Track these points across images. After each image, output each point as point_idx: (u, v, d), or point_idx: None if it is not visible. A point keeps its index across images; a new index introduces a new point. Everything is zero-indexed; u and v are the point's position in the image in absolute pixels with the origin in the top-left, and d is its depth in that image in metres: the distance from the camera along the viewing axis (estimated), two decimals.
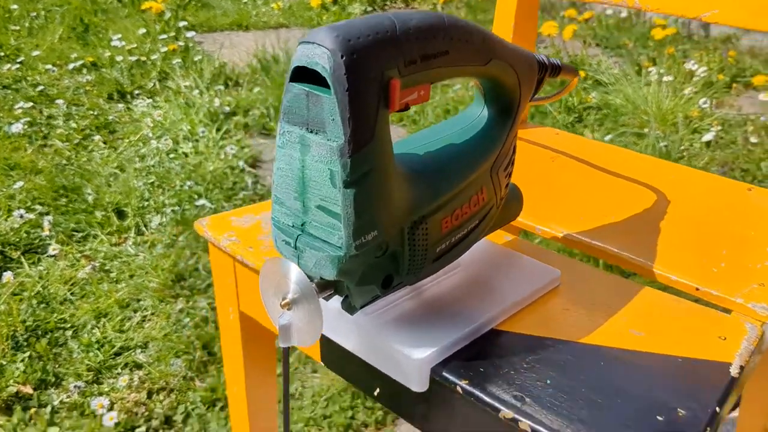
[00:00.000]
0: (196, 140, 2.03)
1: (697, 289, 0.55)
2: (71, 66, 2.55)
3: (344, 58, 0.38)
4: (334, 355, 0.54)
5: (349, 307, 0.46)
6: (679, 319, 0.51)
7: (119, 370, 1.20)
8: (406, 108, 0.44)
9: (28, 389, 1.15)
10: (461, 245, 0.50)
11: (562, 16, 3.11)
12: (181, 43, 2.75)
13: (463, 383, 0.44)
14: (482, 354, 0.47)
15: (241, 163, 1.89)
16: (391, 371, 0.47)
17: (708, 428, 0.41)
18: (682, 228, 0.62)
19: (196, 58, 2.61)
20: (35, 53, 2.64)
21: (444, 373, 0.45)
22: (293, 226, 0.44)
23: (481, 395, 0.43)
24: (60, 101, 2.25)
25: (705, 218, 0.64)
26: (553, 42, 2.77)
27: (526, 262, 0.55)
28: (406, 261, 0.45)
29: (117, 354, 1.24)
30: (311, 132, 0.40)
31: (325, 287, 0.44)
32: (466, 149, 0.49)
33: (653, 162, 0.75)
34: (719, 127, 2.08)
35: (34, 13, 3.14)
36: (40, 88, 2.35)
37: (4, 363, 1.19)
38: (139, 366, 1.22)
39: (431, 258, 0.47)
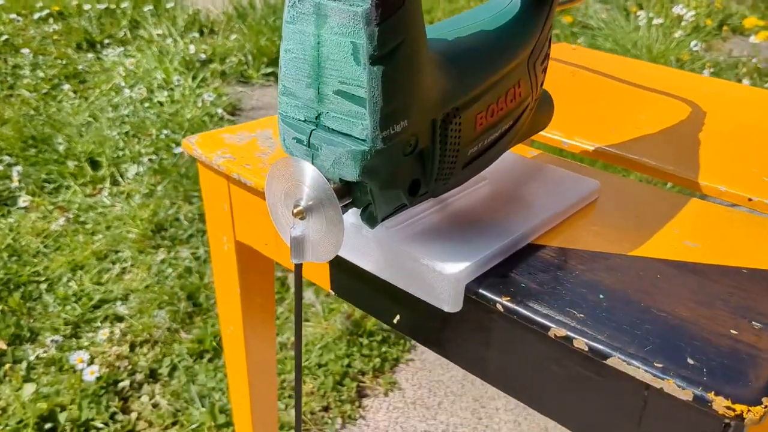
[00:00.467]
0: (172, 89, 1.93)
1: (750, 200, 0.49)
2: (37, 15, 2.42)
3: None
4: (346, 280, 0.48)
5: (370, 219, 0.39)
6: (737, 228, 0.45)
7: (99, 324, 1.14)
8: None
9: (1, 345, 1.08)
10: (492, 150, 0.43)
11: None
12: None
13: (504, 300, 0.38)
14: (522, 269, 0.41)
15: (219, 111, 1.81)
16: (419, 291, 0.41)
17: None
18: (724, 139, 0.56)
19: (168, 6, 2.49)
20: None
21: (481, 290, 0.39)
22: (306, 120, 0.37)
23: (526, 312, 0.37)
24: (26, 51, 2.13)
25: (746, 128, 0.58)
26: None
27: (560, 174, 0.49)
28: (436, 162, 0.39)
29: (96, 307, 1.17)
30: None
31: (343, 194, 0.38)
32: (501, 36, 0.42)
33: (679, 74, 0.69)
34: (711, 69, 2.03)
35: None
36: (5, 37, 2.22)
37: None
38: (120, 318, 1.15)
39: (462, 162, 0.41)
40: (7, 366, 1.04)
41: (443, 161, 0.39)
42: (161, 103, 1.86)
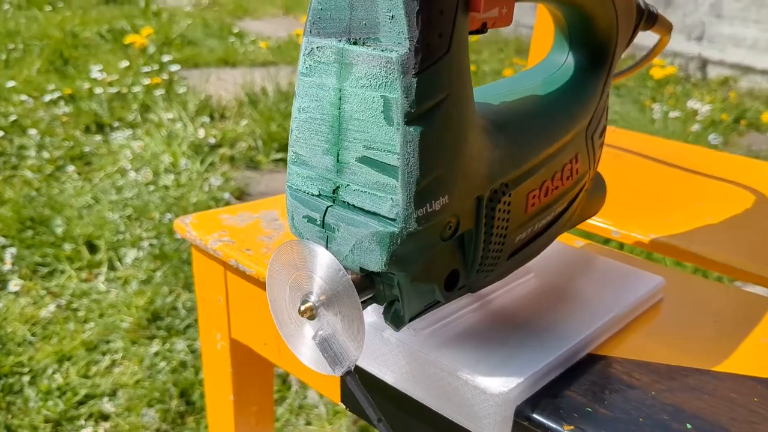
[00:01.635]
0: (178, 173, 1.89)
1: None
2: (47, 98, 2.41)
3: None
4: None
5: (396, 318, 0.31)
6: None
7: (82, 422, 1.04)
8: (483, 29, 0.30)
9: None
10: (543, 237, 0.36)
11: None
12: (165, 77, 2.63)
13: (567, 430, 0.30)
14: (585, 388, 0.32)
15: (226, 195, 1.75)
16: (455, 413, 0.32)
17: None
18: None
19: (180, 91, 2.49)
20: (10, 84, 2.51)
21: (535, 415, 0.31)
22: (321, 195, 0.30)
23: None
24: (33, 131, 2.10)
25: None
26: None
27: (617, 268, 0.42)
28: (480, 250, 0.31)
29: (81, 403, 1.07)
30: (355, 42, 0.27)
31: (364, 288, 0.30)
32: (555, 102, 0.36)
33: (735, 159, 0.62)
34: None
35: (12, 46, 3.02)
36: (13, 118, 2.20)
37: None
38: (105, 417, 1.05)
39: (508, 250, 0.33)
40: None
41: (487, 248, 0.31)
42: (167, 187, 1.81)
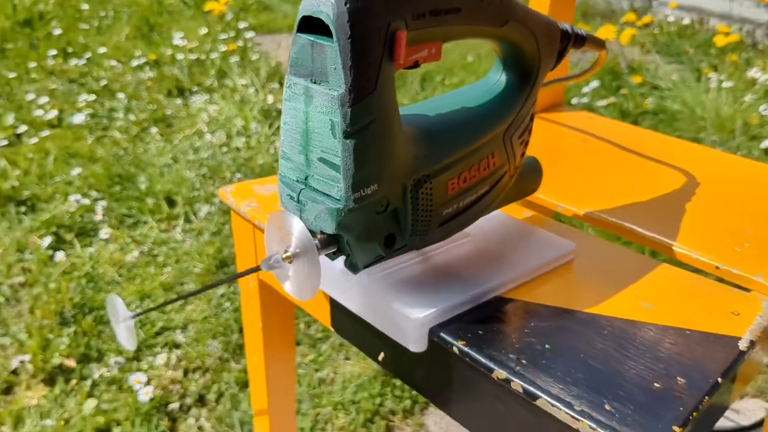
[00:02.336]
0: (249, 136, 2.07)
1: (717, 268, 0.53)
2: (134, 63, 2.63)
3: (348, 5, 0.38)
4: (342, 320, 0.55)
5: (352, 266, 0.46)
6: (694, 294, 0.49)
7: (158, 349, 1.23)
8: (415, 65, 0.44)
9: (71, 363, 1.19)
10: (470, 211, 0.49)
11: (621, 23, 3.06)
12: (240, 43, 2.81)
13: (460, 344, 0.44)
14: (484, 318, 0.46)
15: None
16: (391, 332, 0.47)
17: (707, 397, 0.40)
18: (709, 209, 0.60)
19: (253, 57, 2.66)
20: (101, 50, 2.74)
21: (442, 334, 0.45)
22: (297, 181, 0.44)
23: (476, 356, 0.43)
24: (121, 95, 2.32)
25: (734, 200, 0.62)
26: (610, 47, 2.72)
27: (540, 235, 0.55)
28: (409, 221, 0.45)
29: (158, 333, 1.27)
30: (315, 83, 0.41)
31: (328, 243, 0.44)
32: (479, 112, 0.49)
33: (686, 146, 0.73)
34: None
35: (103, 13, 3.26)
36: (104, 82, 2.43)
37: (51, 337, 1.24)
38: (177, 346, 1.24)
39: (437, 221, 0.47)
40: (74, 382, 1.15)
41: (416, 220, 0.45)
42: (238, 149, 1.99)
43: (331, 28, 0.39)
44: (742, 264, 0.53)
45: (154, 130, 2.11)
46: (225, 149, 1.99)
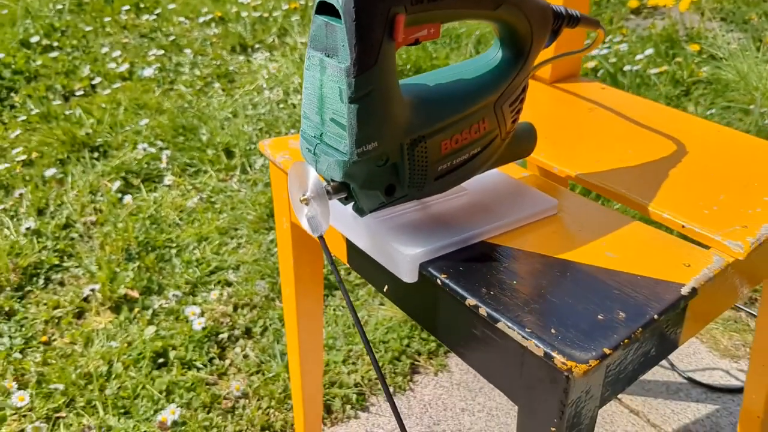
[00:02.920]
0: None
1: (683, 226, 0.60)
2: (201, 19, 2.75)
3: None
4: (355, 257, 0.64)
5: (359, 210, 0.55)
6: (655, 248, 0.57)
7: (212, 286, 1.36)
8: (416, 42, 0.52)
9: (135, 294, 1.33)
10: (464, 168, 0.58)
11: None
12: (302, 1, 2.90)
13: (443, 276, 0.53)
14: (468, 258, 0.55)
15: None
16: (390, 265, 0.56)
17: (640, 329, 0.48)
18: (690, 175, 0.67)
19: None
20: (171, 6, 2.87)
21: (429, 268, 0.54)
22: (314, 137, 0.54)
23: (454, 287, 0.52)
24: (188, 51, 2.45)
25: (715, 168, 0.68)
26: (669, 13, 2.70)
27: (528, 191, 0.63)
28: (407, 173, 0.54)
29: (212, 272, 1.40)
30: (328, 56, 0.50)
31: (339, 190, 0.54)
32: (473, 83, 0.57)
33: (687, 117, 0.79)
34: None
35: None
36: (172, 38, 2.56)
37: (118, 270, 1.38)
38: (229, 284, 1.37)
39: (432, 175, 0.56)
40: (137, 311, 1.29)
41: (413, 173, 0.54)
42: (294, 105, 2.09)
43: (340, 12, 0.48)
44: (707, 224, 0.60)
45: (216, 85, 2.23)
46: (282, 105, 2.10)
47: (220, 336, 1.23)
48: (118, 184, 1.66)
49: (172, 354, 1.19)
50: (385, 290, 0.62)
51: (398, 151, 0.53)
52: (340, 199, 0.54)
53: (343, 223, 0.61)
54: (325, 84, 0.51)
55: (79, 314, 1.30)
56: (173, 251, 1.45)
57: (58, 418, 1.08)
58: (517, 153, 0.64)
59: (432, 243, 0.55)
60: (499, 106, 0.58)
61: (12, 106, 2.02)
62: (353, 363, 1.17)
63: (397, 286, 0.60)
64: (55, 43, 2.40)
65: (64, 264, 1.41)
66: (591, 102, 0.82)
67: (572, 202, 0.63)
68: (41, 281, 1.36)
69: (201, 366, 1.17)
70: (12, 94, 2.07)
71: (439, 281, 0.53)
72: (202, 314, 1.27)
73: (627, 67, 2.22)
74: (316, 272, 0.80)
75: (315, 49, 0.51)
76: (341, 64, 0.49)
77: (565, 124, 0.79)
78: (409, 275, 0.55)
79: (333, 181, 0.53)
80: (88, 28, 2.59)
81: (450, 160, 0.56)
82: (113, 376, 1.15)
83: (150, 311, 1.29)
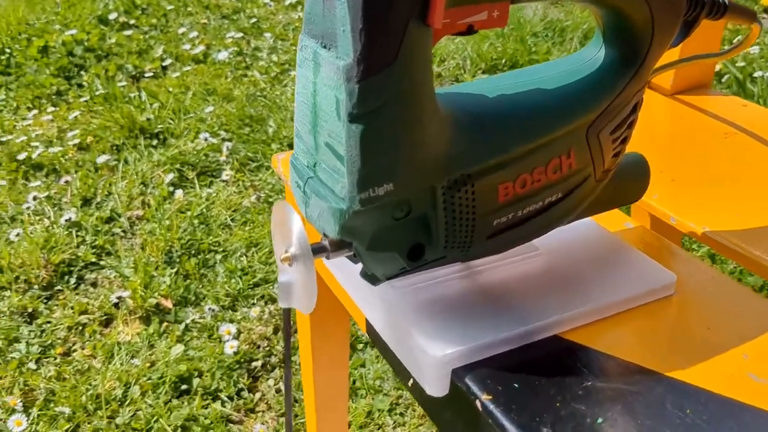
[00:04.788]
0: None
1: None
2: (287, 1, 2.62)
3: None
4: (373, 328, 0.46)
5: (368, 276, 0.37)
6: None
7: (254, 301, 1.21)
8: (469, 31, 0.33)
9: (168, 303, 1.19)
10: (534, 222, 0.38)
11: None
12: None
13: (485, 398, 0.34)
14: (527, 365, 0.36)
15: None
16: (409, 363, 0.38)
17: None
18: None
19: None
20: None
21: (467, 380, 0.35)
22: (307, 166, 0.36)
23: (501, 419, 0.33)
24: (268, 35, 2.32)
25: None
26: None
27: (634, 257, 0.43)
28: (442, 231, 0.35)
29: (256, 285, 1.24)
30: (324, 47, 0.32)
31: (341, 246, 0.36)
32: (557, 96, 0.37)
33: None
34: None
35: None
36: (254, 20, 2.44)
37: (155, 275, 1.25)
38: (273, 300, 1.21)
39: (483, 232, 0.37)
40: (168, 324, 1.15)
41: (453, 230, 0.35)
42: None
43: None
44: None
45: (293, 72, 2.08)
46: None
47: (254, 363, 1.08)
48: (171, 176, 1.53)
49: (195, 381, 1.04)
50: (409, 385, 0.43)
51: (428, 199, 0.34)
52: (348, 257, 0.36)
53: (356, 284, 0.42)
54: (320, 90, 0.33)
55: (107, 321, 1.17)
56: (218, 256, 1.31)
57: None
58: (618, 198, 0.44)
59: (475, 337, 0.36)
60: (596, 132, 0.38)
61: (79, 85, 1.94)
62: (400, 414, 0.99)
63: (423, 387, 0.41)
64: (133, 21, 2.31)
65: (101, 262, 1.30)
66: (727, 123, 0.60)
67: (697, 278, 0.43)
68: (73, 280, 1.25)
69: (226, 399, 1.02)
70: (81, 73, 1.99)
71: (479, 403, 0.34)
72: (237, 335, 1.12)
73: (758, 73, 1.92)
74: (340, 322, 0.63)
75: (309, 36, 0.33)
76: (340, 60, 0.31)
77: (690, 153, 0.57)
78: (434, 385, 0.36)
79: (326, 236, 0.35)
80: (169, 7, 2.50)
81: (512, 211, 0.37)
82: (128, 401, 1.01)
83: (182, 326, 1.15)
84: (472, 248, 0.37)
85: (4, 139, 1.65)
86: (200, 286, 1.24)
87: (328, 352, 0.63)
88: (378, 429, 0.97)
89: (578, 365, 0.36)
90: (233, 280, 1.24)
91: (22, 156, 1.57)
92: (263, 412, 1.01)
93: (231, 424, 0.98)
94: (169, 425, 0.96)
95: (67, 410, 0.98)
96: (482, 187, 0.35)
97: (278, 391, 1.04)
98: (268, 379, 1.06)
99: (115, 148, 1.64)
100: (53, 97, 1.88)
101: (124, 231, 1.38)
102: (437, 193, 0.34)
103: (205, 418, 0.98)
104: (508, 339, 0.37)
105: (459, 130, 0.34)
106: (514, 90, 0.37)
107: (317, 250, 0.35)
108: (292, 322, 0.79)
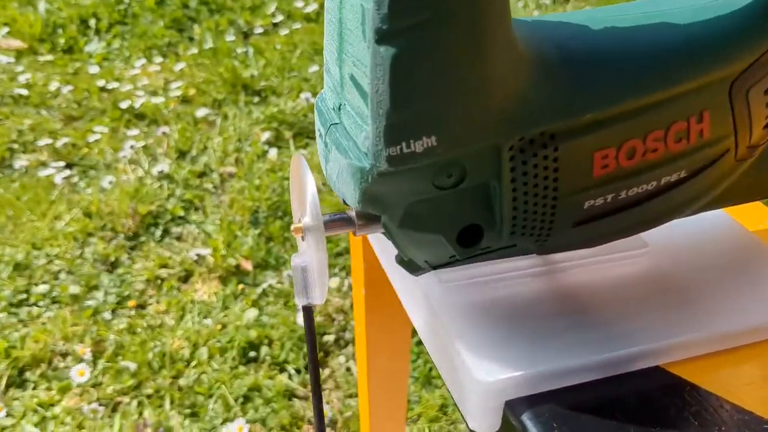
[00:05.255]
0: None
1: None
2: None
3: None
4: None
5: (406, 263, 0.28)
6: None
7: (336, 270, 1.14)
8: None
9: (248, 266, 1.14)
10: (642, 209, 0.28)
11: None
12: None
13: None
14: (612, 405, 0.26)
15: None
16: (452, 384, 0.28)
17: None
18: None
19: None
20: None
21: (525, 418, 0.25)
22: (333, 109, 0.27)
23: None
24: None
25: None
26: None
27: None
28: (508, 210, 0.25)
29: (338, 254, 1.17)
30: None
31: (368, 221, 0.27)
32: (689, 37, 0.26)
33: None
34: None
35: None
36: None
37: (239, 234, 1.20)
38: None
39: (569, 217, 0.27)
40: (245, 286, 1.10)
41: (525, 210, 0.26)
42: None
43: None
44: None
45: None
46: None
47: (327, 337, 1.01)
48: (268, 135, 1.48)
49: (264, 350, 0.98)
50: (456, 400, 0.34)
51: (489, 163, 0.24)
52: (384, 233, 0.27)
53: (393, 263, 0.33)
54: (345, 0, 0.23)
55: (186, 278, 1.14)
56: None
57: (119, 403, 0.92)
58: (765, 187, 0.32)
59: (543, 358, 0.26)
60: (743, 89, 0.27)
61: (190, 39, 1.93)
62: None
63: None
64: None
65: (188, 217, 1.26)
66: None
67: None
68: (158, 233, 1.22)
69: (294, 372, 0.95)
70: (194, 26, 1.98)
71: None
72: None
73: None
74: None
75: None
76: None
77: None
78: (480, 419, 0.27)
79: (346, 204, 0.26)
80: None
81: (612, 190, 0.27)
82: (193, 363, 0.97)
83: (259, 290, 1.09)
84: (551, 238, 0.27)
85: (110, 86, 1.65)
86: (282, 250, 1.18)
87: (386, 341, 0.55)
88: (450, 425, 0.88)
89: (685, 411, 0.26)
90: None
91: (125, 104, 1.56)
92: (330, 390, 0.94)
93: (295, 399, 0.92)
94: (231, 393, 0.91)
95: (133, 366, 0.95)
96: (570, 153, 0.25)
97: (348, 369, 0.96)
98: (339, 355, 0.99)
99: (216, 102, 1.61)
100: (164, 48, 1.88)
101: (215, 187, 1.34)
102: (503, 155, 0.24)
103: (269, 390, 0.92)
104: (590, 366, 0.27)
105: (542, 69, 0.24)
106: (629, 22, 0.27)
107: (335, 222, 0.26)
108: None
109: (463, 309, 0.28)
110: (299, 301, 0.28)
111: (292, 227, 0.28)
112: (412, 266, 0.28)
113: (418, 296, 0.30)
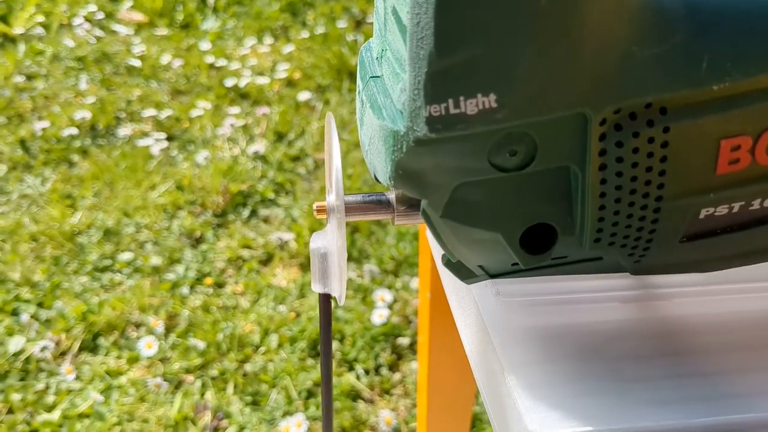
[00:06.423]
0: None
1: None
2: None
3: None
4: None
5: (452, 265, 0.22)
6: None
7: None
8: None
9: None
10: None
11: None
12: None
13: None
14: None
15: None
16: (496, 418, 0.22)
17: None
18: None
19: None
20: None
21: None
22: (376, 58, 0.21)
23: None
24: None
25: None
26: None
27: None
28: (593, 206, 0.19)
29: None
30: None
31: (408, 207, 0.21)
32: None
33: None
34: None
35: None
36: None
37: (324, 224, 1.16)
38: None
39: (678, 226, 0.20)
40: None
41: (617, 209, 0.19)
42: None
43: None
44: None
45: None
46: None
47: (401, 340, 0.95)
48: None
49: (335, 345, 0.94)
50: None
51: (572, 139, 0.18)
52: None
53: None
54: None
55: (267, 261, 1.11)
56: None
57: (182, 381, 0.89)
58: None
59: (624, 415, 0.19)
60: None
61: (303, 23, 1.92)
62: None
63: None
64: None
65: (278, 200, 1.24)
66: None
67: None
68: (246, 213, 1.20)
69: (362, 371, 0.90)
70: (308, 11, 1.97)
71: None
72: (392, 304, 1.00)
73: None
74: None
75: None
76: None
77: None
78: None
79: (378, 181, 0.20)
80: None
81: (743, 197, 0.19)
82: (262, 350, 0.93)
83: None
84: (650, 253, 0.20)
85: (219, 64, 1.66)
86: (366, 243, 1.14)
87: (451, 353, 0.49)
88: None
89: None
90: (402, 244, 1.12)
91: (230, 82, 1.56)
92: (398, 396, 0.88)
93: (360, 401, 0.87)
94: (295, 386, 0.87)
95: (202, 344, 0.93)
96: (686, 137, 0.18)
97: None
98: (412, 360, 0.93)
99: (320, 88, 1.58)
100: (276, 31, 1.87)
101: (307, 172, 1.31)
102: (591, 132, 0.17)
103: (334, 388, 0.87)
104: (691, 431, 0.20)
105: (657, 18, 0.17)
106: None
107: (365, 205, 0.21)
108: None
109: (523, 334, 0.22)
110: (316, 288, 0.22)
111: (315, 205, 0.22)
112: (461, 271, 0.22)
113: (470, 309, 0.24)
